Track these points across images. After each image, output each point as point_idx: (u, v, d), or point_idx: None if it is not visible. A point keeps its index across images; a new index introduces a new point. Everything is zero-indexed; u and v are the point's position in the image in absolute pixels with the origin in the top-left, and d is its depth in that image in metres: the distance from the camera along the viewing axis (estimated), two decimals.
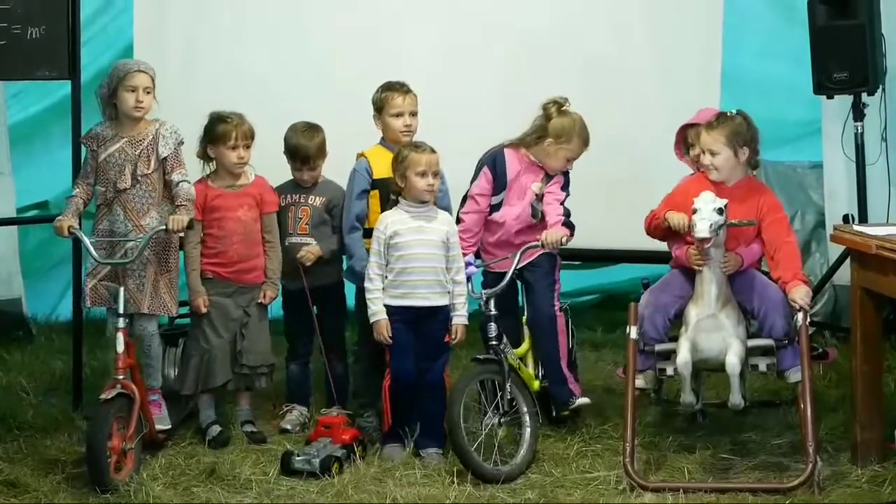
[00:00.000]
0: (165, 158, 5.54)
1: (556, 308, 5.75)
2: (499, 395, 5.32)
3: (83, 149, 5.73)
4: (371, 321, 5.44)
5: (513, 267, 5.53)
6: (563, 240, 5.55)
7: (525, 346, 5.72)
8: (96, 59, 7.28)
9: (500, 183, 5.71)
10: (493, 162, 5.74)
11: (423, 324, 5.45)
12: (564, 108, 5.68)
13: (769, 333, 5.22)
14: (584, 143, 5.67)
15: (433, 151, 5.46)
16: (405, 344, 5.43)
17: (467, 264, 5.51)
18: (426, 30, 6.86)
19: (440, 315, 5.47)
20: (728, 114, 5.37)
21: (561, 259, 5.85)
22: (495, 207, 5.73)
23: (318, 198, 5.84)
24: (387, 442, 5.47)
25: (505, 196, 5.71)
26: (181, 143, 5.60)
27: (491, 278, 5.67)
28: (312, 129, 5.86)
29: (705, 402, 5.66)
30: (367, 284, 5.46)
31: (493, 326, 5.40)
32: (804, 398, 5.05)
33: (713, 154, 5.31)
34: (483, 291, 5.50)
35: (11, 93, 7.41)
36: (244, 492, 5.06)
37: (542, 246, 5.56)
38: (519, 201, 5.71)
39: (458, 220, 5.76)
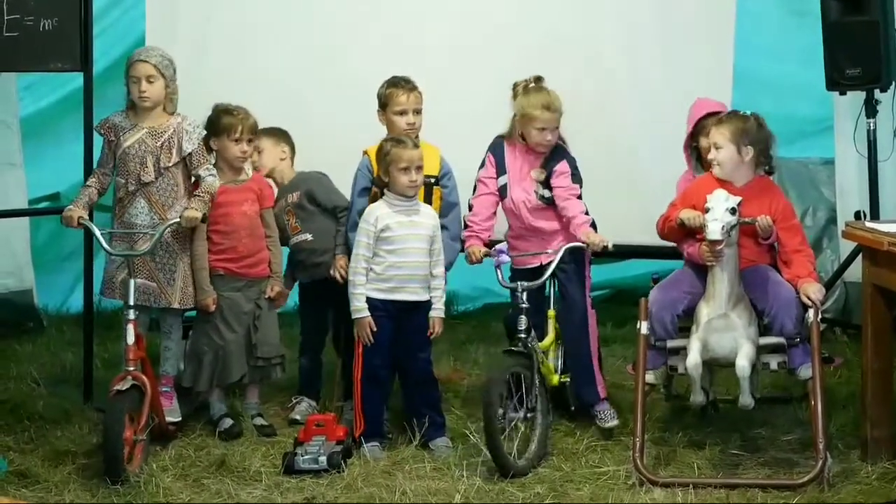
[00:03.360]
0: (190, 154, 5.54)
1: (589, 304, 5.77)
2: (533, 389, 5.30)
3: (97, 137, 5.71)
4: (354, 317, 5.42)
5: (554, 262, 5.52)
6: (609, 245, 5.54)
7: (549, 339, 5.66)
8: (108, 52, 7.29)
9: (500, 166, 5.74)
10: (494, 148, 5.79)
11: (405, 318, 5.45)
12: (530, 86, 5.66)
13: (780, 332, 5.20)
14: (550, 110, 5.62)
15: (416, 146, 5.46)
16: (383, 341, 5.42)
17: (499, 252, 5.50)
18: (436, 26, 6.85)
19: (422, 309, 5.47)
20: (740, 112, 5.35)
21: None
22: (503, 192, 5.73)
23: (292, 195, 5.86)
24: (366, 441, 5.41)
25: (507, 180, 5.72)
26: (201, 140, 5.60)
27: (518, 273, 5.67)
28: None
29: (715, 396, 5.65)
30: (352, 278, 5.42)
31: (523, 319, 5.36)
32: (815, 395, 5.04)
33: (717, 148, 5.30)
34: (520, 283, 5.45)
35: (23, 85, 7.42)
36: (254, 484, 5.07)
37: (588, 247, 5.57)
38: (519, 185, 5.71)
39: (470, 207, 5.78)
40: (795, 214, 5.46)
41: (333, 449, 5.23)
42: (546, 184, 5.69)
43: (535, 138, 5.66)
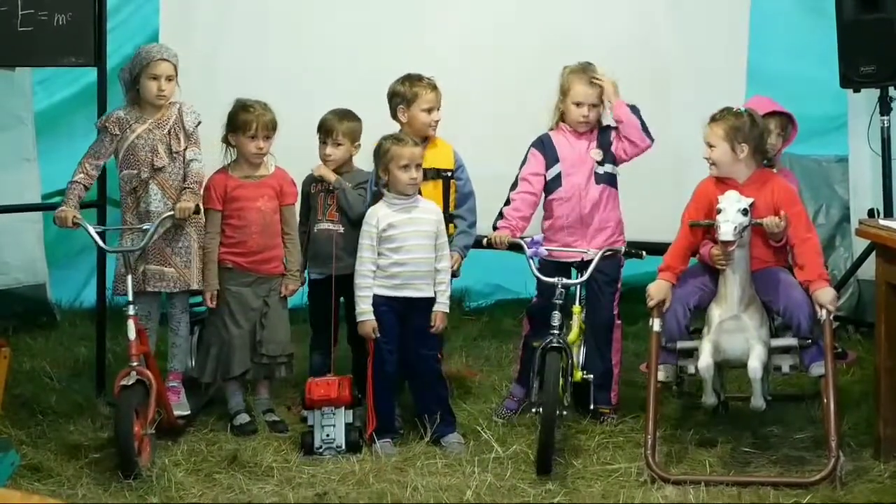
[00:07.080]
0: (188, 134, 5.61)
1: (616, 314, 5.80)
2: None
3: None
4: (358, 320, 5.44)
5: (595, 262, 5.52)
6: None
7: (574, 334, 5.62)
8: (122, 47, 7.29)
9: (550, 158, 5.73)
10: (541, 143, 5.78)
11: (413, 314, 5.45)
12: (577, 65, 5.74)
13: (796, 332, 5.19)
14: (586, 82, 5.68)
15: (416, 144, 5.45)
16: (392, 336, 5.43)
17: (535, 243, 5.50)
18: (449, 20, 6.86)
19: (428, 305, 5.47)
20: (734, 109, 5.32)
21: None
22: (555, 184, 5.72)
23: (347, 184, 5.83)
24: (378, 438, 5.42)
25: (562, 168, 5.72)
26: (199, 122, 5.69)
27: (549, 267, 5.64)
28: (347, 113, 5.82)
29: (727, 395, 5.64)
30: (358, 281, 5.43)
31: (557, 315, 5.36)
32: (827, 393, 5.04)
33: (711, 147, 5.29)
34: (560, 279, 5.43)
35: (38, 79, 7.42)
36: (266, 478, 5.09)
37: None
38: (579, 168, 5.71)
39: (508, 202, 5.76)
40: (799, 201, 5.38)
41: (346, 421, 5.29)
42: (604, 161, 5.73)
43: (573, 115, 5.69)
